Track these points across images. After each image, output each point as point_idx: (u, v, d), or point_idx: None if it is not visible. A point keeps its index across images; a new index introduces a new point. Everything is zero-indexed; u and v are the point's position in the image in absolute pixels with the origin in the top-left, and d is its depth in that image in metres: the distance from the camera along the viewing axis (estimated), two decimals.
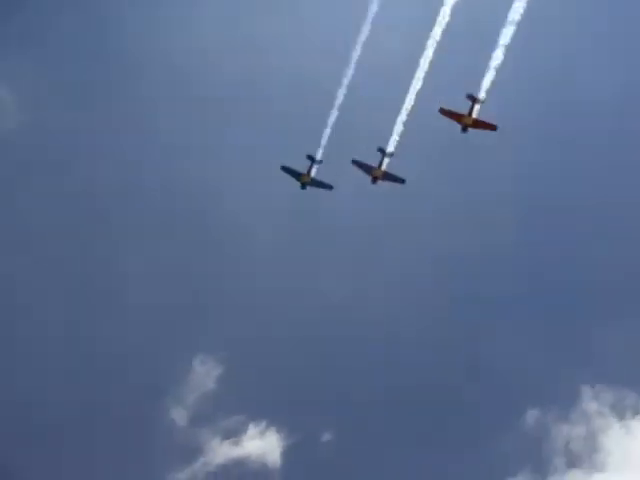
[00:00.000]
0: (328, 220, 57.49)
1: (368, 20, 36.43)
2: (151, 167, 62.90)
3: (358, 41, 36.88)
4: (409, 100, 35.24)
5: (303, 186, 41.93)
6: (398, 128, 36.24)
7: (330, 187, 42.18)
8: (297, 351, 58.90)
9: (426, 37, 34.07)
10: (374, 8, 35.93)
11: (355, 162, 39.35)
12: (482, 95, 33.14)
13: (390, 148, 37.35)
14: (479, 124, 34.65)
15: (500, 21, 31.79)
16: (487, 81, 32.51)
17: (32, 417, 55.19)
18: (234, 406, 60.30)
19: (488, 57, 32.26)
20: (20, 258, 60.04)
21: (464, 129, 34.96)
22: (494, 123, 34.78)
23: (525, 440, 57.10)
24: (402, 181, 39.41)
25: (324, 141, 39.19)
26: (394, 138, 36.63)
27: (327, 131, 38.87)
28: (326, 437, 57.66)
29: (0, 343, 56.10)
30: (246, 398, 59.11)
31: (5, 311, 57.22)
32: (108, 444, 57.47)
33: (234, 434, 61.09)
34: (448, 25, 33.47)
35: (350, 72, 37.21)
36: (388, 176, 39.04)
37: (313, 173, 41.10)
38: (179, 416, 63.84)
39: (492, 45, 32.17)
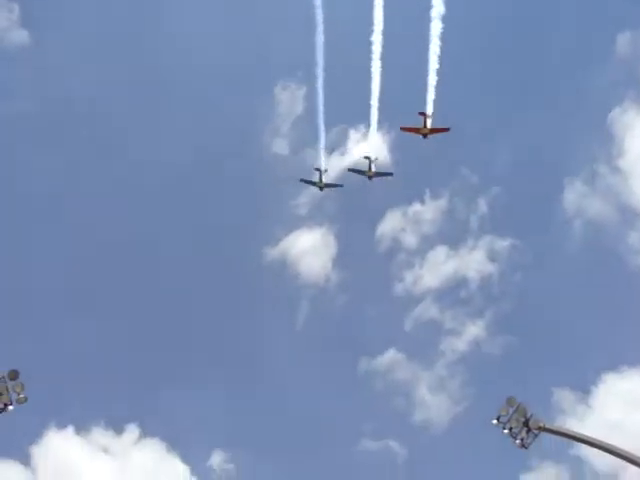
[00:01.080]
0: None
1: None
2: None
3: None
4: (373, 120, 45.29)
5: (321, 189, 54.36)
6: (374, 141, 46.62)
7: (341, 185, 54.38)
8: None
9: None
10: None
11: (351, 170, 51.98)
12: (430, 111, 42.66)
13: (374, 156, 48.30)
14: (435, 130, 44.73)
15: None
16: (430, 99, 41.76)
17: None
18: (330, 119, 57.62)
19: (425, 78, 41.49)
20: None
21: (425, 137, 44.55)
22: (447, 127, 44.43)
23: (620, 66, 61.69)
24: (390, 174, 50.71)
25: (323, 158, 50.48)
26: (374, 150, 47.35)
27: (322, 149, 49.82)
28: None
29: None
30: (339, 109, 57.62)
31: None
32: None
33: (338, 145, 60.70)
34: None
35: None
36: (378, 174, 51.01)
37: (324, 179, 53.30)
38: (280, 147, 67.66)
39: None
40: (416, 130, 44.78)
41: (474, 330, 71.75)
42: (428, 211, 65.22)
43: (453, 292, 72.49)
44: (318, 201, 60.80)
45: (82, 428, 76.70)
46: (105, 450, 65.52)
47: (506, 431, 22.56)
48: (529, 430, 22.50)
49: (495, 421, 22.76)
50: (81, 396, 75.74)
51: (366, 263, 61.29)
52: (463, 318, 77.44)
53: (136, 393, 77.90)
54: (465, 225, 67.99)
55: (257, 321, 76.12)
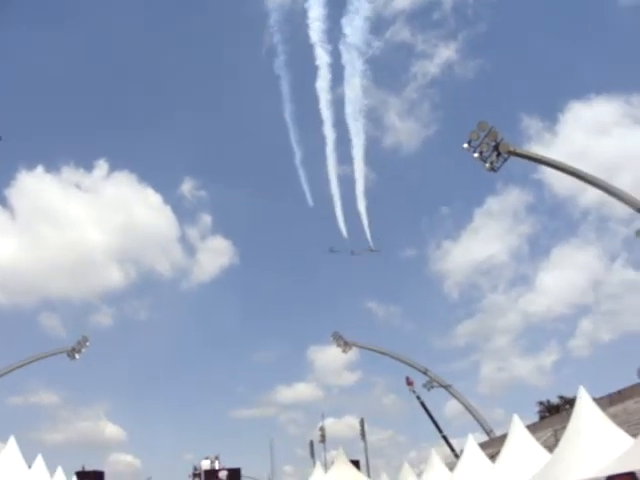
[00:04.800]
0: None
1: None
2: None
3: None
4: None
5: None
6: None
7: None
8: None
9: None
10: None
11: None
12: None
13: None
14: None
15: None
16: None
17: None
18: None
19: None
20: None
21: None
22: None
23: None
24: None
25: None
26: None
27: None
28: None
29: None
30: None
31: None
32: None
33: None
34: None
35: None
36: None
37: None
38: None
39: None
40: None
41: (446, 53, 70.03)
42: None
43: (425, 14, 69.47)
44: None
45: (52, 167, 78.03)
46: (77, 186, 67.06)
47: (476, 155, 22.60)
48: (499, 154, 22.53)
49: (466, 145, 22.62)
50: (48, 136, 74.98)
51: None
52: (435, 41, 75.30)
53: (102, 130, 76.89)
54: None
55: (224, 47, 71.43)
